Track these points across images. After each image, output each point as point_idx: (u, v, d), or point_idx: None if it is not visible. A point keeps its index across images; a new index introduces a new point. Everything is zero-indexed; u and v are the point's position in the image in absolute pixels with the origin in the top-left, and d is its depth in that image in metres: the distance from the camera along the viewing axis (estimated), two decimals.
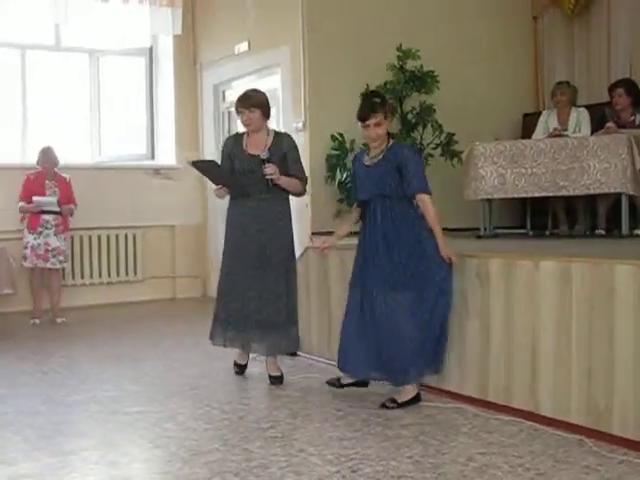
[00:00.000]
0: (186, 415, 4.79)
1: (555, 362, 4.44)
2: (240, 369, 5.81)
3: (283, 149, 5.44)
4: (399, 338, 4.78)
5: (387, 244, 4.82)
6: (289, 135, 5.76)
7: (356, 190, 5.11)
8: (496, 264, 4.83)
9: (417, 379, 4.91)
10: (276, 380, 5.53)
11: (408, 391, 4.86)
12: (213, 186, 5.63)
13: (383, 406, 4.81)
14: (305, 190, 5.64)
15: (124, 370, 6.04)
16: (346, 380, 5.14)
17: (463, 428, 4.43)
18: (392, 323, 4.79)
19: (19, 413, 4.88)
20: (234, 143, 5.58)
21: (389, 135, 4.95)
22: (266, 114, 5.47)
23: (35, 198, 8.09)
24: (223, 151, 5.66)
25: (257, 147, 5.41)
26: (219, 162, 5.69)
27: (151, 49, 10.06)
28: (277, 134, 5.59)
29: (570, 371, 4.35)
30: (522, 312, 4.64)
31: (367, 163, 4.94)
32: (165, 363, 6.30)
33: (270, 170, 5.30)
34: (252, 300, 5.43)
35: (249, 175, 5.39)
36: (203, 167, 5.79)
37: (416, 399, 4.86)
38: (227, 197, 5.62)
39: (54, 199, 8.17)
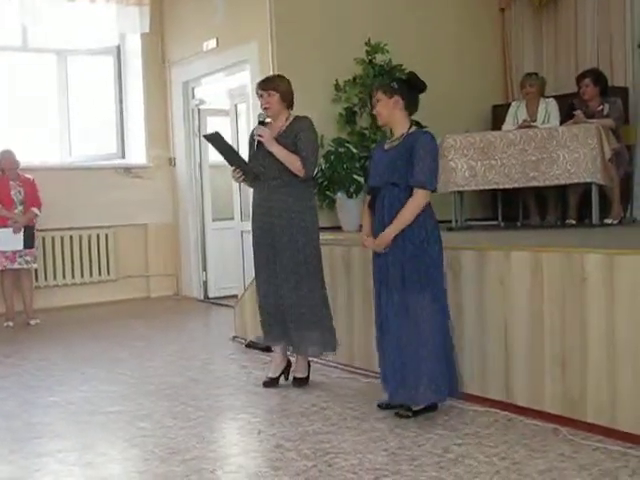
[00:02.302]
0: (162, 413, 4.78)
1: (528, 352, 4.48)
2: (271, 381, 5.36)
3: (295, 130, 5.14)
4: (415, 344, 4.41)
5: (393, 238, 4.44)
6: (307, 117, 5.28)
7: (369, 176, 4.77)
8: (468, 255, 4.86)
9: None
10: (297, 382, 5.36)
11: None
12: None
13: (398, 415, 4.49)
14: (306, 171, 5.10)
15: (99, 370, 6.02)
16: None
17: (438, 420, 4.45)
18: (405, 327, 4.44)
19: None
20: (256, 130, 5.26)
21: (415, 123, 4.67)
22: (286, 99, 5.19)
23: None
24: (249, 138, 5.42)
25: (274, 133, 5.18)
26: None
27: (119, 48, 9.99)
28: (296, 118, 5.25)
29: (543, 360, 4.39)
30: (494, 303, 4.68)
31: (386, 147, 4.62)
32: (140, 362, 6.28)
33: (261, 132, 5.09)
34: (271, 297, 5.20)
35: (262, 161, 5.15)
36: (213, 140, 5.35)
37: (432, 407, 4.57)
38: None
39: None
